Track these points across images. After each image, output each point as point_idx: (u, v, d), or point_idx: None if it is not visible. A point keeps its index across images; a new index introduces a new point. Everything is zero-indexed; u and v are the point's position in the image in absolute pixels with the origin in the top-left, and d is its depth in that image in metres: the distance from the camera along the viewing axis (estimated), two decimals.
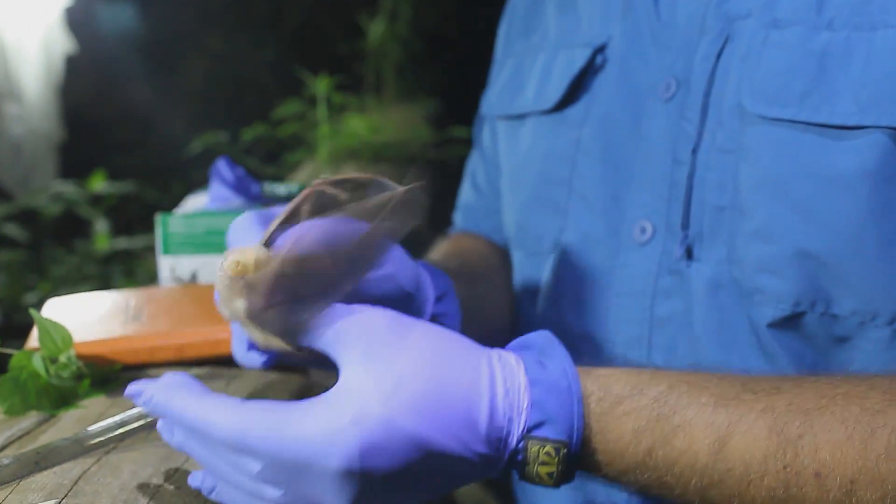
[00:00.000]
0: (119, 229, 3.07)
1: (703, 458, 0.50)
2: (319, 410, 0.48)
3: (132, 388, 0.53)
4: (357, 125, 1.98)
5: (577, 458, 0.51)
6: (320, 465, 0.47)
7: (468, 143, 2.17)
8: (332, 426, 0.47)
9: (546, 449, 0.50)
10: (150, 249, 3.06)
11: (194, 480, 0.54)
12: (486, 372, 0.51)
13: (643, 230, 0.73)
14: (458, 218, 1.04)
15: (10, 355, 0.72)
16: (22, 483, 0.58)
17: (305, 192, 0.59)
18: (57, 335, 0.72)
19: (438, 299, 0.68)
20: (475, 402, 0.49)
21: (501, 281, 0.90)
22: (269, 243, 0.57)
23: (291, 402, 0.49)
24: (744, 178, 0.65)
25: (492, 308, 0.86)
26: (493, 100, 0.94)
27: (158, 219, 1.02)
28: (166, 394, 0.51)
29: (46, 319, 0.72)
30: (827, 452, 0.49)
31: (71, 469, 0.60)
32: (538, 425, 0.50)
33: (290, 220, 0.58)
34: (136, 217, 3.37)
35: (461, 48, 3.77)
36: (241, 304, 0.55)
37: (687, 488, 0.51)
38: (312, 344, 0.52)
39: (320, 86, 1.93)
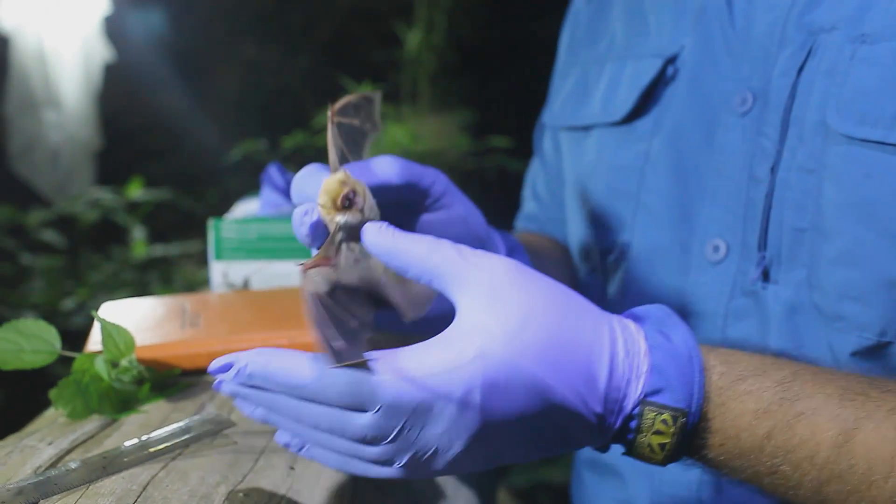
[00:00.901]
0: (154, 236, 3.09)
1: (825, 450, 0.48)
2: (439, 348, 0.47)
3: (218, 363, 0.50)
4: (397, 133, 1.97)
5: (694, 432, 0.49)
6: (441, 403, 0.45)
7: (507, 153, 2.17)
8: (453, 362, 0.46)
9: (663, 416, 0.48)
10: (187, 257, 3.08)
11: (282, 437, 0.52)
12: (607, 331, 0.49)
13: (716, 249, 0.71)
14: (520, 226, 1.02)
15: (72, 359, 0.72)
16: (91, 487, 0.57)
17: (332, 129, 0.60)
18: (119, 339, 0.71)
19: (510, 252, 0.67)
20: (596, 358, 0.48)
21: (567, 269, 0.88)
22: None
23: (401, 347, 0.47)
24: (827, 200, 0.63)
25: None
26: (556, 110, 0.92)
27: (211, 224, 1.01)
28: (262, 359, 0.48)
29: (110, 323, 0.71)
30: None
31: (139, 475, 0.59)
32: (656, 392, 0.48)
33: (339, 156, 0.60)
34: (170, 224, 3.39)
35: (495, 59, 3.77)
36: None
37: (802, 481, 0.49)
38: (431, 283, 0.50)
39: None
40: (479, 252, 0.50)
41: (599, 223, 0.82)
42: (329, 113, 0.61)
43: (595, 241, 0.82)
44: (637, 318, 0.53)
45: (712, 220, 0.72)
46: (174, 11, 4.17)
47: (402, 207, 0.62)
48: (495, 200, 2.13)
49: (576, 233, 0.87)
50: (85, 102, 3.45)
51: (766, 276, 0.68)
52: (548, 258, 0.86)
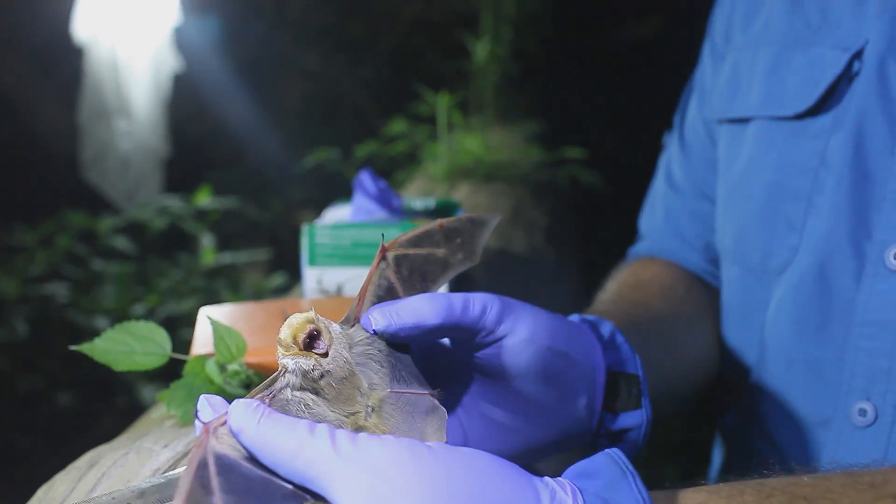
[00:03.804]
0: (219, 245, 3.11)
1: None
2: None
3: None
4: (471, 143, 1.96)
5: None
6: None
7: (580, 164, 2.14)
8: None
9: None
10: (254, 265, 3.10)
11: None
12: None
13: None
14: (657, 218, 0.95)
15: (183, 362, 0.71)
16: None
17: (379, 264, 0.56)
18: (231, 342, 0.70)
19: (607, 346, 0.63)
20: None
21: (688, 316, 0.83)
22: (356, 319, 0.54)
23: None
24: None
25: (676, 354, 0.78)
26: (713, 101, 0.87)
27: (305, 229, 1.01)
28: None
29: (222, 325, 0.71)
30: None
31: None
32: None
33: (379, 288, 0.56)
34: (235, 232, 3.42)
35: (560, 70, 3.75)
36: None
37: None
38: (306, 484, 0.43)
39: (441, 102, 1.92)
40: (364, 440, 0.43)
41: (762, 224, 0.77)
42: (381, 246, 0.56)
43: (756, 242, 0.78)
44: (580, 477, 0.45)
45: (893, 226, 0.68)
46: (240, 23, 4.23)
47: (457, 345, 0.57)
48: (567, 210, 2.11)
49: (729, 232, 0.82)
50: (155, 111, 3.50)
51: None
52: (666, 329, 0.78)
